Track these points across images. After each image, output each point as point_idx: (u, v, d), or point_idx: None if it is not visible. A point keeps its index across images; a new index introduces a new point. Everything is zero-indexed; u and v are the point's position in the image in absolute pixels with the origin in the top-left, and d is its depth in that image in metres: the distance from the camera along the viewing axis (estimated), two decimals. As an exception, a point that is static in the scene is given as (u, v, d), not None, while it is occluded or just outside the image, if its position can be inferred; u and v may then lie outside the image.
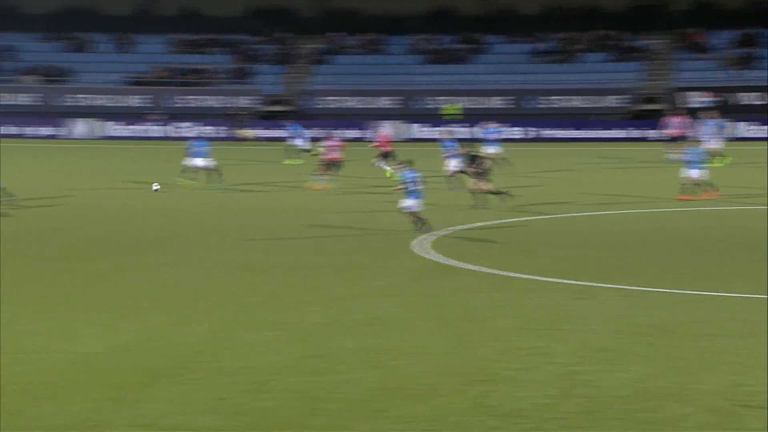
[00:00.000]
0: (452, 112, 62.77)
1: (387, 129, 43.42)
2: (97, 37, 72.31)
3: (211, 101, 67.19)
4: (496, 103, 65.08)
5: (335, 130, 41.00)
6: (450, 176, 35.35)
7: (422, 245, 24.43)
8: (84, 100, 67.34)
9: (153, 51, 71.72)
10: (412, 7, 73.57)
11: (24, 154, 52.89)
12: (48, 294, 18.85)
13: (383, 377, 13.65)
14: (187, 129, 54.09)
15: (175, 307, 17.91)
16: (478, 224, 27.92)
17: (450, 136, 37.95)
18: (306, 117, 64.22)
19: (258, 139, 57.77)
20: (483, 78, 66.89)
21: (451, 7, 74.77)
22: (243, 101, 67.21)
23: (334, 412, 12.22)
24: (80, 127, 64.80)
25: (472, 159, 32.64)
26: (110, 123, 64.80)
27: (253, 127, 58.98)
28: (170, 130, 61.74)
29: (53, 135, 64.10)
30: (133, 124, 64.27)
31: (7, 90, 67.99)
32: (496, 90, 65.68)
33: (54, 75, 69.38)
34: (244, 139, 57.57)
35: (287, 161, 46.24)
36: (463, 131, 51.09)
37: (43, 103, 67.30)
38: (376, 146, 42.21)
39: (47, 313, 17.15)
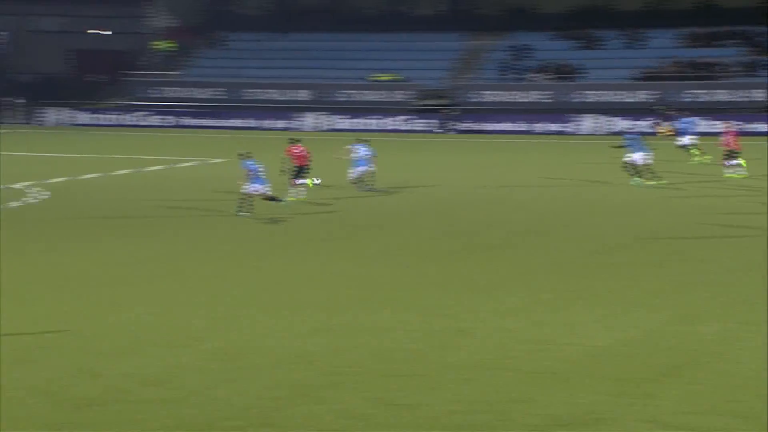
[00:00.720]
0: None
1: (731, 125, 39.76)
2: (608, 34, 72.89)
3: (720, 95, 65.42)
4: None
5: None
6: None
7: None
8: (591, 96, 68.18)
9: (662, 45, 71.07)
10: None
11: (532, 149, 54.53)
12: (550, 287, 19.13)
13: None
14: (693, 123, 51.95)
15: (681, 303, 17.49)
16: None
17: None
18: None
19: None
20: None
21: None
22: (754, 95, 64.81)
23: None
24: (587, 122, 65.70)
25: None
26: (617, 119, 65.10)
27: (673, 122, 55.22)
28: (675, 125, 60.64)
29: (561, 131, 65.52)
30: (639, 120, 64.08)
31: (520, 87, 70.49)
32: None
33: (564, 72, 70.89)
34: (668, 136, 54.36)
35: (697, 158, 43.57)
36: None
37: (553, 100, 68.99)
38: (722, 145, 38.77)
39: (553, 305, 17.41)
